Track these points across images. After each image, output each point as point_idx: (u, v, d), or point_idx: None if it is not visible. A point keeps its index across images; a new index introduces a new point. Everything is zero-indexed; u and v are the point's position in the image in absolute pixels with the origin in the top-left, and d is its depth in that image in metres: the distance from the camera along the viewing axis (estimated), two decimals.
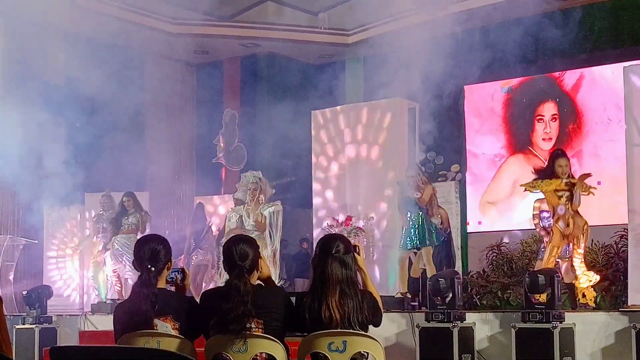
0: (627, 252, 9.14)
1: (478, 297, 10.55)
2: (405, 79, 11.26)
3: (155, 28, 14.71)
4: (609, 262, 10.38)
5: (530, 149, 13.88)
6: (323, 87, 14.31)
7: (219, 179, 16.19)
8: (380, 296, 4.95)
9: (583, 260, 8.84)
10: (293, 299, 4.76)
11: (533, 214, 9.34)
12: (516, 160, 14.02)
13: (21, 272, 13.61)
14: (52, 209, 13.84)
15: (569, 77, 13.66)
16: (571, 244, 8.80)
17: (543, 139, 13.84)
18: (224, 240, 11.57)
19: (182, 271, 5.00)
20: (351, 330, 4.59)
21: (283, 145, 14.19)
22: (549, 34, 12.08)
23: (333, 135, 12.87)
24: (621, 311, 8.22)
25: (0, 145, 12.61)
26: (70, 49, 13.13)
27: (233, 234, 11.22)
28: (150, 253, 4.73)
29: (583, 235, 8.74)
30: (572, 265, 8.83)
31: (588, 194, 8.85)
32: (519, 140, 14.12)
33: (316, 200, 12.93)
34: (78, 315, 11.62)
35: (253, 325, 4.53)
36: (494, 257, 12.19)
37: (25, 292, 10.74)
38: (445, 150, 14.12)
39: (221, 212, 14.14)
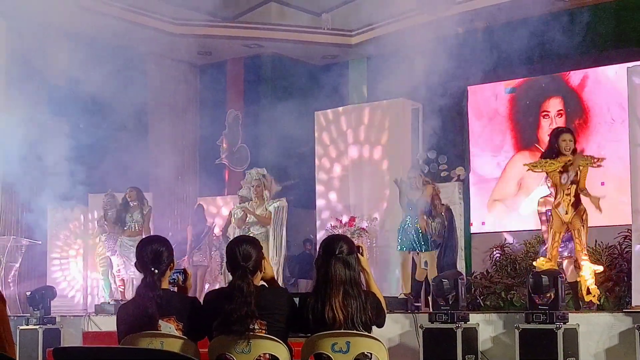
0: (631, 252, 9.11)
1: (482, 297, 10.55)
2: (408, 80, 11.25)
3: (158, 29, 14.70)
4: (613, 262, 10.35)
5: (537, 145, 13.81)
6: (327, 87, 14.28)
7: (222, 180, 16.17)
8: (384, 297, 4.94)
9: (586, 252, 8.79)
10: (296, 300, 4.76)
11: (538, 210, 9.32)
12: (522, 158, 13.96)
13: (25, 272, 13.59)
14: (56, 209, 13.83)
15: (573, 77, 13.64)
16: (571, 243, 8.78)
17: (549, 135, 13.76)
18: (228, 234, 11.59)
19: (184, 272, 5.00)
20: (354, 331, 4.59)
21: (286, 146, 14.17)
22: (553, 34, 12.04)
23: (336, 136, 12.87)
24: (625, 312, 8.19)
25: (3, 146, 12.63)
26: (73, 49, 13.14)
27: (238, 228, 11.33)
28: (153, 255, 4.73)
29: (583, 226, 8.68)
30: (576, 262, 8.81)
31: (595, 166, 8.73)
32: (525, 138, 14.03)
33: (320, 202, 12.93)
34: (82, 316, 11.61)
35: (256, 326, 4.53)
36: (498, 258, 12.17)
37: (29, 292, 10.73)
38: (449, 150, 14.08)
39: (224, 213, 14.14)
